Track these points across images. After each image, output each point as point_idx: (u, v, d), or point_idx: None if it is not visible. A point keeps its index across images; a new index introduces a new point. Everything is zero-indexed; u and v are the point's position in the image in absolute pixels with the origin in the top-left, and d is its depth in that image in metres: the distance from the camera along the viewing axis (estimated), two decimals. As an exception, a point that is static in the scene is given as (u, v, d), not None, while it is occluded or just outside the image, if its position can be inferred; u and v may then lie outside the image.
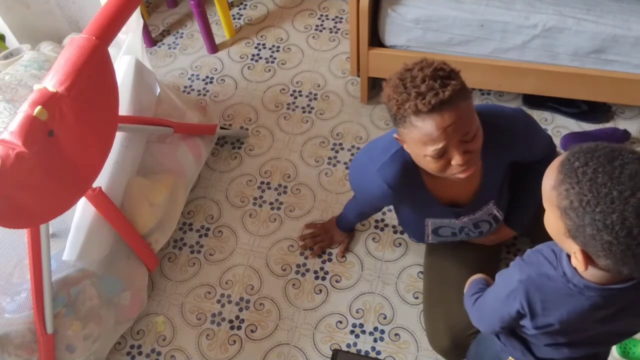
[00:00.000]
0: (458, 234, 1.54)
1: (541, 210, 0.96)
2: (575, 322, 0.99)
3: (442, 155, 1.18)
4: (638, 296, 0.95)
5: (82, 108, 1.24)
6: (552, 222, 0.88)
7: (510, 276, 1.05)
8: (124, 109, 1.67)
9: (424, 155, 1.19)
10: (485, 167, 1.38)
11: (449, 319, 1.55)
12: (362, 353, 1.70)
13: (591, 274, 0.91)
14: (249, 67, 2.39)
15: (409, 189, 1.39)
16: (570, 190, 0.82)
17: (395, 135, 1.25)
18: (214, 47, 2.44)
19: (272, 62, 2.39)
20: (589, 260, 0.85)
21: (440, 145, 1.15)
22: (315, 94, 2.27)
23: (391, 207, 1.93)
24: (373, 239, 1.90)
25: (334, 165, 2.07)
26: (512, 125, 1.34)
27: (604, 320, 0.99)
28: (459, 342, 1.53)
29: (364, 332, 1.73)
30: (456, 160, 1.18)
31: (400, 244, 1.88)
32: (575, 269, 0.92)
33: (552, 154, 1.51)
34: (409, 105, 1.12)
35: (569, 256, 0.94)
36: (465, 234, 1.55)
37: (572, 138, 1.98)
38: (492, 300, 1.13)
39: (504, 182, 1.48)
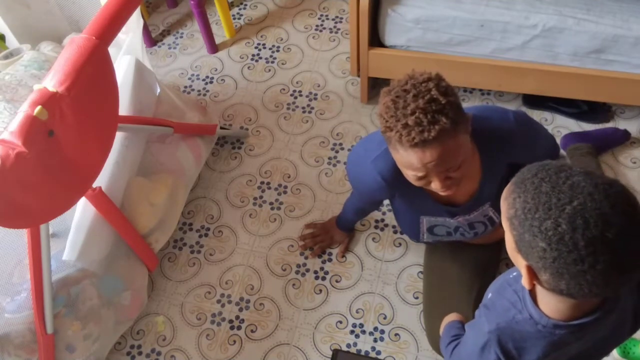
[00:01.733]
0: (453, 233, 1.54)
1: None
2: (553, 357, 0.99)
3: (423, 178, 1.21)
4: (607, 326, 0.95)
5: (82, 108, 1.24)
6: (506, 238, 0.89)
7: (480, 328, 1.05)
8: (124, 109, 1.67)
9: (406, 173, 1.23)
10: (484, 170, 1.38)
11: None
12: (362, 353, 1.70)
13: (554, 310, 0.91)
14: (249, 67, 2.39)
15: (403, 183, 1.38)
16: (517, 199, 0.84)
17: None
18: (214, 47, 2.44)
19: (272, 62, 2.39)
20: (534, 277, 0.85)
21: (419, 174, 1.19)
22: (315, 94, 2.27)
23: (391, 206, 1.93)
24: (373, 239, 1.90)
25: (334, 165, 2.07)
26: (512, 127, 1.34)
27: (580, 351, 1.00)
28: None
29: (364, 332, 1.73)
30: (435, 184, 1.21)
31: (400, 244, 1.88)
32: (540, 309, 0.93)
33: (555, 155, 1.51)
34: (395, 134, 1.12)
35: (531, 297, 0.95)
36: (460, 234, 1.55)
37: (573, 138, 1.98)
38: (468, 355, 1.12)
39: (502, 184, 1.47)
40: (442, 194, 1.26)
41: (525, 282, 0.87)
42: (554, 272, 0.81)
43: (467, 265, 1.62)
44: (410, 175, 1.21)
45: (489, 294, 1.09)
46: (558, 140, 2.02)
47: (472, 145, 1.30)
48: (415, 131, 1.09)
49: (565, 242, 0.77)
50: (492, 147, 1.33)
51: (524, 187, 0.84)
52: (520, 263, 0.87)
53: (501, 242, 1.72)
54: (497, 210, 1.49)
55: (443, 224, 1.51)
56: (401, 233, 1.89)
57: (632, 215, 0.79)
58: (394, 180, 1.35)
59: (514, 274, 1.04)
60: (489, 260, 1.69)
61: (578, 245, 0.77)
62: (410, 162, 1.16)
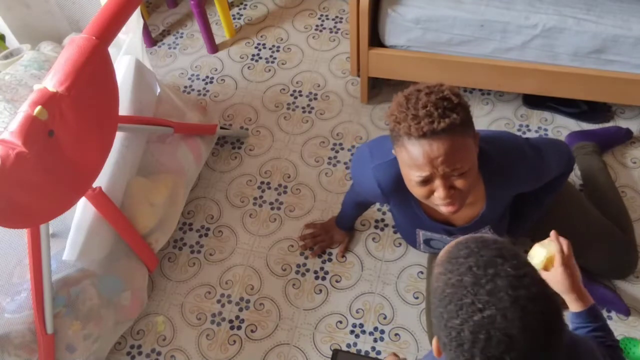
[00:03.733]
0: None
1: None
2: None
3: (427, 183, 1.16)
4: None
5: (82, 108, 1.24)
6: None
7: None
8: (124, 109, 1.67)
9: (410, 179, 1.18)
10: (489, 201, 1.36)
11: None
12: (362, 353, 1.70)
13: None
14: (249, 67, 2.39)
15: (399, 197, 1.37)
16: (441, 276, 0.80)
17: (393, 151, 1.24)
18: (214, 47, 2.44)
19: (272, 62, 2.39)
20: (441, 350, 0.82)
21: (424, 174, 1.14)
22: (315, 94, 2.27)
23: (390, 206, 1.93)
24: (373, 239, 1.90)
25: (334, 165, 2.07)
26: (521, 161, 1.31)
27: None
28: None
29: (364, 332, 1.73)
30: (439, 193, 1.16)
31: (400, 244, 1.88)
32: None
33: (567, 172, 1.50)
34: (403, 126, 1.11)
35: None
36: None
37: (577, 136, 1.97)
38: None
39: (505, 211, 1.46)
40: (444, 209, 1.20)
41: (434, 351, 0.85)
42: None
43: None
44: (414, 178, 1.16)
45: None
46: (562, 139, 2.02)
47: (477, 173, 1.28)
48: (424, 121, 1.08)
49: (463, 350, 0.74)
50: (497, 178, 1.31)
51: (451, 267, 0.79)
52: None
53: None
54: (498, 232, 1.48)
55: (440, 240, 1.50)
56: (401, 233, 1.90)
57: (540, 341, 0.74)
58: (391, 191, 1.34)
59: None
60: None
61: (474, 358, 0.73)
62: (416, 157, 1.12)
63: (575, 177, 1.94)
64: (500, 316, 0.73)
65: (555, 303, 0.77)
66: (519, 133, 2.08)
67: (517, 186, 1.37)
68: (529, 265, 0.79)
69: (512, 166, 1.30)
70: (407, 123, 1.10)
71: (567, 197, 1.66)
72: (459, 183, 1.16)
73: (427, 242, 1.52)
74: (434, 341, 0.84)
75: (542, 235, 1.72)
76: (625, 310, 1.68)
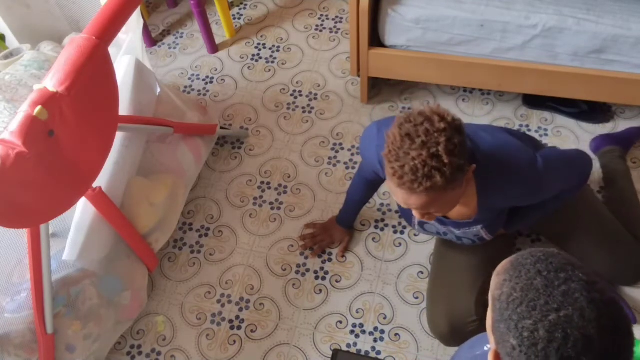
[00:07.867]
0: (442, 235, 1.57)
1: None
2: None
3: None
4: None
5: (82, 108, 1.24)
6: (489, 312, 0.84)
7: None
8: (124, 109, 1.67)
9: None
10: (481, 210, 1.39)
11: (450, 303, 1.56)
12: (362, 353, 1.70)
13: None
14: (249, 67, 2.39)
15: None
16: (506, 282, 0.79)
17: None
18: (214, 47, 2.45)
19: (272, 62, 2.39)
20: None
21: (402, 204, 1.23)
22: (315, 94, 2.27)
23: (390, 206, 1.93)
24: (373, 239, 1.90)
25: (334, 165, 2.07)
26: (517, 183, 1.33)
27: None
28: (457, 328, 1.55)
29: (364, 332, 1.73)
30: (414, 213, 1.27)
31: (400, 244, 1.88)
32: None
33: (576, 186, 1.50)
34: (389, 166, 1.15)
35: None
36: (449, 239, 1.57)
37: (604, 141, 1.95)
38: None
39: (500, 215, 1.48)
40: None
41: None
42: None
43: (477, 255, 1.61)
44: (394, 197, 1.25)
45: None
46: (563, 142, 2.01)
47: (473, 183, 1.31)
48: (407, 177, 1.11)
49: (537, 351, 0.72)
50: (491, 193, 1.34)
51: (518, 273, 0.78)
52: (492, 343, 0.83)
53: (513, 235, 1.72)
54: (489, 230, 1.49)
55: (433, 225, 1.52)
56: (401, 233, 1.89)
57: (616, 343, 0.72)
58: None
59: (485, 348, 1.00)
60: (500, 252, 1.67)
61: (549, 359, 0.71)
62: (394, 192, 1.20)
63: (595, 180, 1.93)
64: (577, 316, 0.71)
65: (625, 312, 0.76)
66: (519, 133, 2.08)
67: (510, 201, 1.42)
68: (598, 274, 0.78)
69: (506, 184, 1.33)
70: (394, 168, 1.13)
71: (580, 196, 1.65)
72: (434, 212, 1.25)
73: (421, 224, 1.56)
74: (491, 353, 0.81)
75: (549, 233, 1.72)
76: (632, 318, 1.66)
